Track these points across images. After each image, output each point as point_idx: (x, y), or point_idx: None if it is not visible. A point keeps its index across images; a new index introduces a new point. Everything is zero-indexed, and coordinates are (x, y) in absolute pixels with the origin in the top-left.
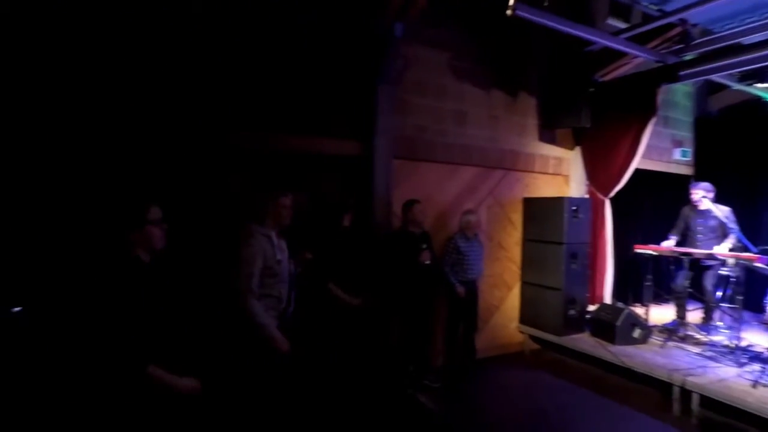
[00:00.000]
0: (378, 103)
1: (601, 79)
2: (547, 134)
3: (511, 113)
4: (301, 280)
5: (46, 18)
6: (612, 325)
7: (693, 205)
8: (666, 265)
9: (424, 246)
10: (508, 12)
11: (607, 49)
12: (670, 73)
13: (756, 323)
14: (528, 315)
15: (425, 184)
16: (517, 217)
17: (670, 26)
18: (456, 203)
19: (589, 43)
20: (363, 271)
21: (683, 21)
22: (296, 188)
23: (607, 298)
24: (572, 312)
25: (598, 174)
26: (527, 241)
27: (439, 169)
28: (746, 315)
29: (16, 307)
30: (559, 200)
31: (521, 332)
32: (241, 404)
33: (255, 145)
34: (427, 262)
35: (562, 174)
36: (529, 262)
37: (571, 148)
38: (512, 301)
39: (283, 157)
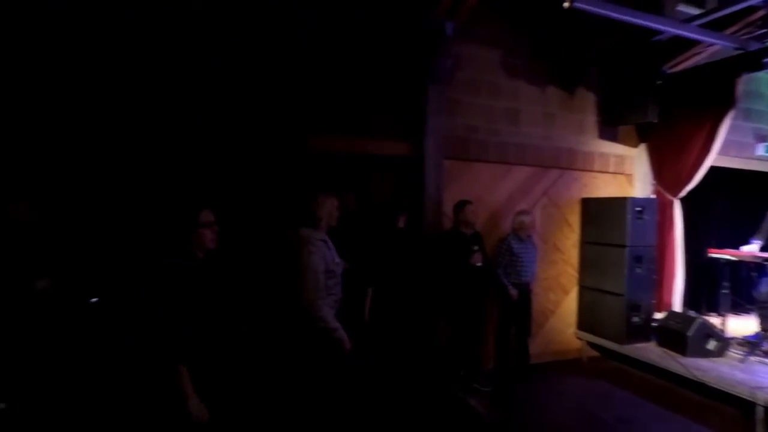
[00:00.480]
0: (428, 104)
1: (670, 71)
2: (608, 131)
3: (568, 110)
4: (351, 283)
5: (125, 26)
6: (683, 335)
7: None
8: (746, 271)
9: (476, 247)
10: (566, 5)
11: (677, 38)
12: (752, 61)
13: None
14: (587, 321)
15: (477, 184)
16: (575, 218)
17: (752, 9)
18: (509, 204)
19: (657, 32)
20: (417, 273)
21: None
22: (347, 189)
23: (677, 306)
24: (636, 319)
25: (667, 173)
26: (585, 243)
27: (492, 169)
28: None
29: (94, 298)
30: (621, 200)
31: (579, 338)
32: (304, 402)
33: (306, 147)
34: (479, 263)
35: (625, 173)
36: (587, 265)
37: (635, 146)
38: (569, 305)
39: (334, 158)
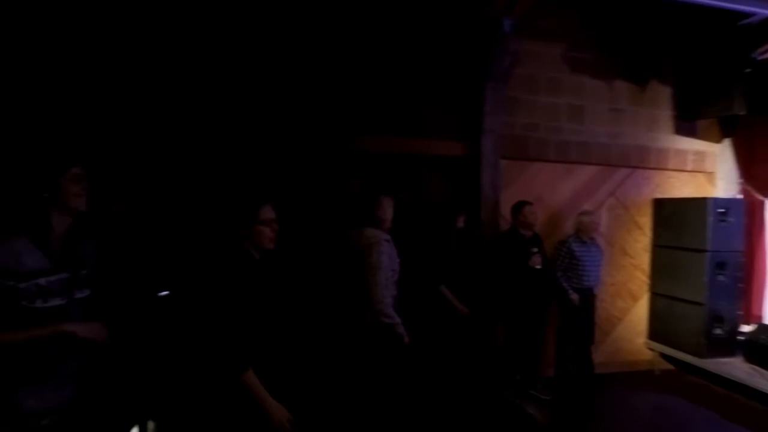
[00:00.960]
0: (485, 102)
1: (761, 57)
2: (685, 126)
3: (639, 105)
4: (413, 281)
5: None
6: None
7: None
8: None
9: (535, 249)
10: None
11: None
12: None
13: None
14: (659, 331)
15: (536, 184)
16: (646, 220)
17: None
18: (571, 205)
19: (746, 15)
20: (475, 274)
21: None
22: (403, 189)
23: None
24: (718, 331)
25: (757, 170)
26: (658, 247)
27: (552, 169)
28: None
29: (164, 291)
30: (700, 201)
31: (650, 349)
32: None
33: (364, 148)
34: (538, 266)
35: (705, 171)
36: (660, 270)
37: (718, 141)
38: (639, 313)
39: (390, 158)
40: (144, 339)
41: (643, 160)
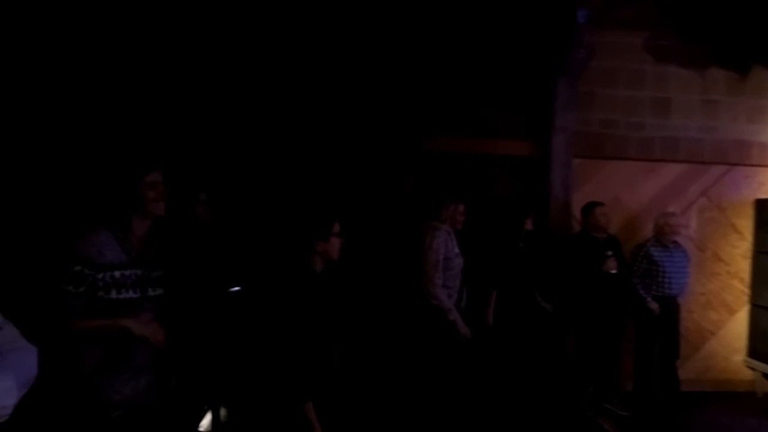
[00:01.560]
0: (556, 99)
1: None
2: None
3: (737, 94)
4: (503, 286)
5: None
6: None
7: None
8: None
9: (610, 253)
10: None
11: None
12: None
13: None
14: (763, 348)
15: (613, 184)
16: (745, 223)
17: None
18: (653, 206)
19: None
20: (543, 278)
21: None
22: (470, 191)
23: None
24: None
25: None
26: (761, 253)
27: (631, 168)
28: None
29: (235, 287)
30: None
31: (750, 368)
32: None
33: (428, 149)
34: (613, 271)
35: None
36: (763, 280)
37: None
38: (736, 327)
39: (457, 158)
40: (216, 331)
41: (742, 155)
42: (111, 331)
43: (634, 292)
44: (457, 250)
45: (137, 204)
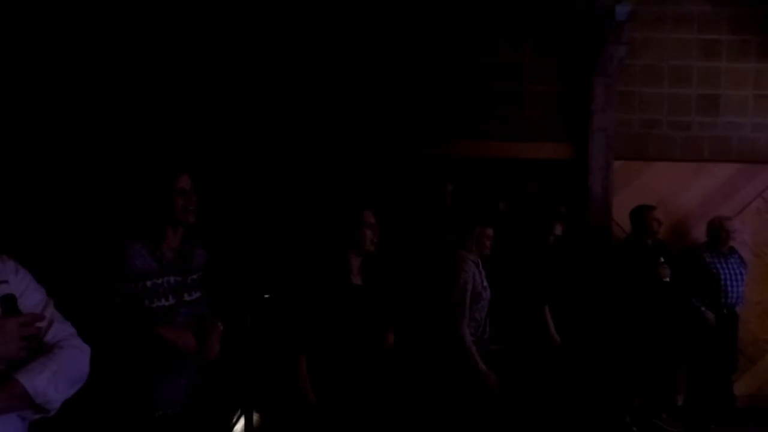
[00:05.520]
0: (594, 99)
1: None
2: None
3: None
4: (514, 301)
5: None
6: None
7: None
8: None
9: (662, 259)
10: None
11: None
12: None
13: None
14: None
15: (657, 187)
16: None
17: None
18: (701, 210)
19: None
20: (579, 286)
21: None
22: (502, 196)
23: None
24: None
25: None
26: None
27: (677, 169)
28: None
29: (266, 294)
30: None
31: None
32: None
33: (459, 153)
34: (666, 278)
35: None
36: None
37: None
38: None
39: (486, 163)
40: (249, 336)
41: None
42: (146, 336)
43: (687, 302)
44: (485, 283)
45: (168, 213)
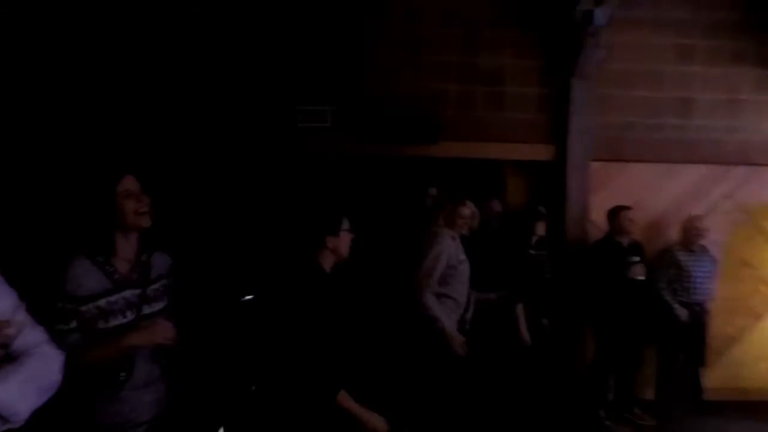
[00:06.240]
0: (572, 102)
1: None
2: None
3: (766, 92)
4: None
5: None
6: None
7: None
8: None
9: (636, 258)
10: None
11: None
12: None
13: None
14: None
15: (632, 188)
16: None
17: None
18: (674, 210)
19: None
20: (557, 285)
21: None
22: (484, 197)
23: None
24: None
25: None
26: None
27: (651, 170)
28: None
29: (248, 296)
30: None
31: None
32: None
33: (441, 154)
34: (640, 277)
35: None
36: None
37: None
38: (762, 333)
39: (470, 164)
40: (228, 343)
41: None
42: (116, 354)
43: (659, 298)
44: (462, 257)
45: (116, 218)
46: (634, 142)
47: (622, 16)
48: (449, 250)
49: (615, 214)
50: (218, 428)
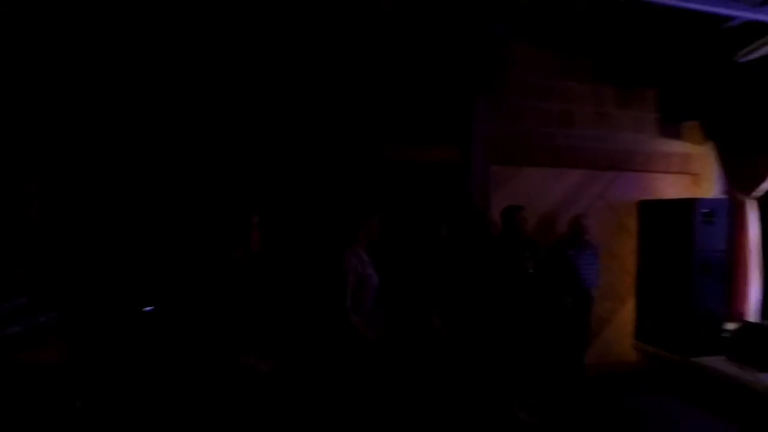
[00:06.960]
0: (475, 110)
1: (744, 60)
2: (670, 129)
3: (624, 108)
4: (407, 299)
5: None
6: (763, 349)
7: None
8: None
9: (527, 254)
10: None
11: (751, 24)
12: None
13: None
14: (646, 331)
15: (526, 189)
16: (633, 222)
17: None
18: (561, 209)
19: (726, 18)
20: (465, 282)
21: None
22: (393, 200)
23: (753, 316)
24: (704, 331)
25: (741, 170)
26: (644, 249)
27: (543, 174)
28: None
29: (148, 307)
30: (686, 202)
31: (638, 350)
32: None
33: (357, 155)
34: (531, 270)
35: (690, 173)
36: (647, 272)
37: (702, 143)
38: (626, 314)
39: (379, 166)
40: (129, 356)
41: (629, 162)
42: None
43: (549, 288)
44: (370, 271)
45: None
46: (528, 148)
47: (521, 33)
48: (356, 268)
49: (510, 213)
50: None
